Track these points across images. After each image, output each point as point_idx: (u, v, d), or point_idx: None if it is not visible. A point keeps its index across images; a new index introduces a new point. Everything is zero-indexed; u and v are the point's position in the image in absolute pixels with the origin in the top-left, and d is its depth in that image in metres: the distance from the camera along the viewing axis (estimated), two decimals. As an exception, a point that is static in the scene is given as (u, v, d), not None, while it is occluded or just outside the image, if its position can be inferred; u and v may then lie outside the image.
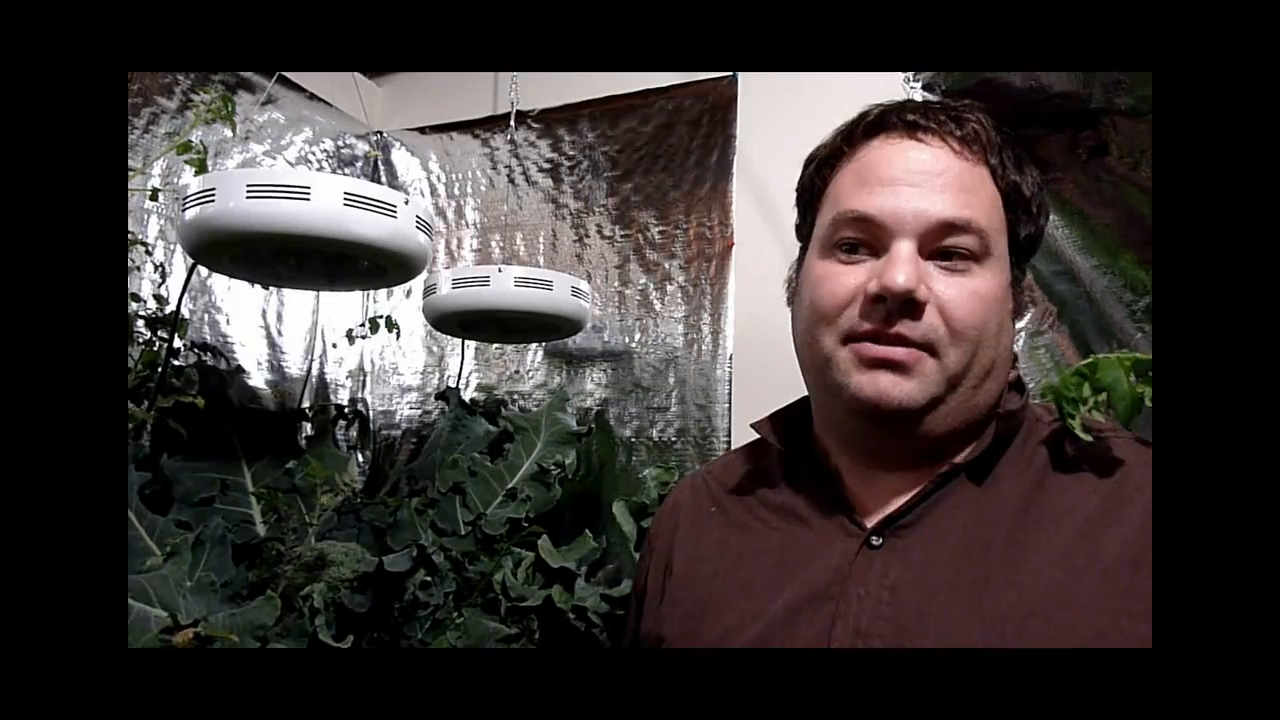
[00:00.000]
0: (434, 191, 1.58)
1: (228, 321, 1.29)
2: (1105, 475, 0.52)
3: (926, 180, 0.52)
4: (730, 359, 1.32)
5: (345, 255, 0.91)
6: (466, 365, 1.49)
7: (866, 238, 0.53)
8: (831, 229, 0.55)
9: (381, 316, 1.36)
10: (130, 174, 0.98)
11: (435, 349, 1.55)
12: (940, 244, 0.52)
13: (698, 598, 0.59)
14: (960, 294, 0.51)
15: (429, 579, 0.91)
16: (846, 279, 0.53)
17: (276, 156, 1.38)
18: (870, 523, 0.54)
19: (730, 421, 1.31)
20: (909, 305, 0.51)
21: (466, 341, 1.46)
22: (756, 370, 1.29)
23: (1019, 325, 0.63)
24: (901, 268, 0.50)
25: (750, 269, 1.32)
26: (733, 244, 1.34)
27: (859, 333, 0.52)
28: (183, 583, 0.75)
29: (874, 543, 0.53)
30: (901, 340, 0.51)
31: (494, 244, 1.52)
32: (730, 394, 1.32)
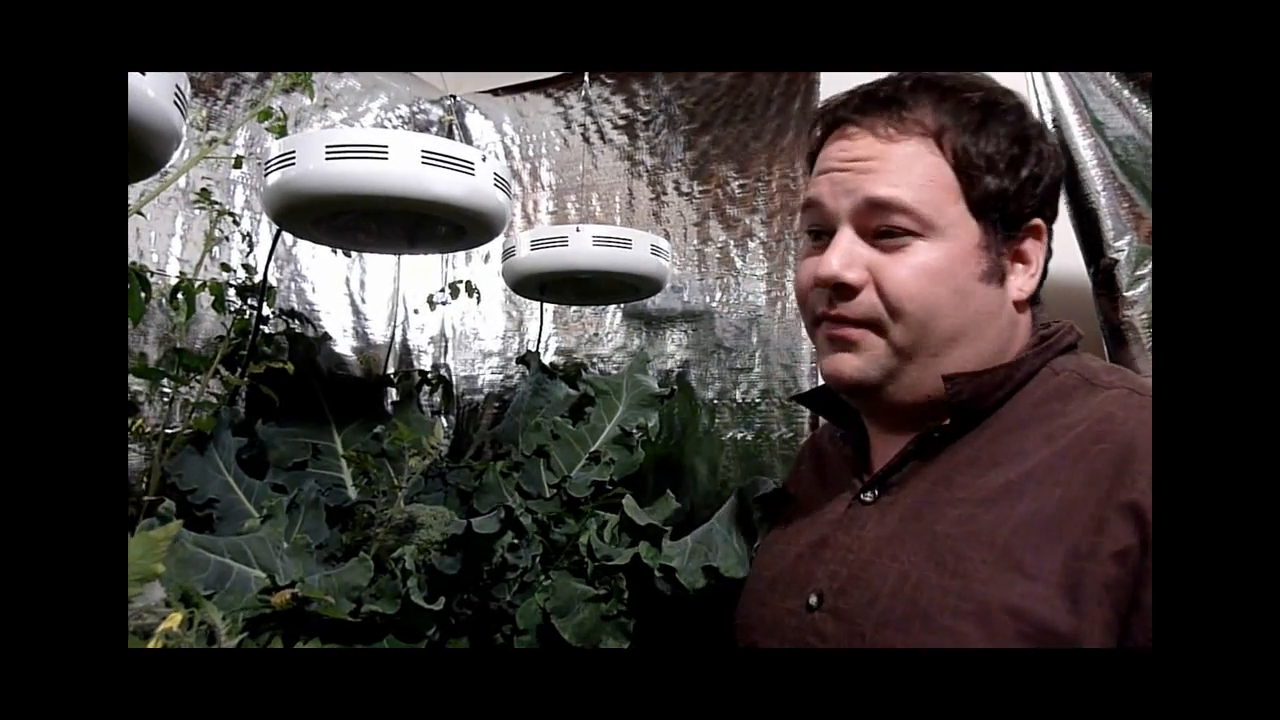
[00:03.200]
0: (509, 154, 1.56)
1: (313, 290, 1.31)
2: (1072, 428, 0.53)
3: (855, 166, 0.56)
4: (817, 316, 1.27)
5: (424, 216, 0.90)
6: (546, 329, 1.48)
7: (822, 224, 0.59)
8: (802, 217, 0.61)
9: (461, 282, 1.36)
10: (213, 143, 0.99)
11: (514, 313, 1.54)
12: (876, 224, 0.56)
13: (768, 538, 0.72)
14: (900, 271, 0.55)
15: (516, 541, 0.90)
16: (810, 265, 0.59)
17: (354, 124, 1.38)
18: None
19: (817, 382, 1.26)
20: (842, 288, 0.56)
21: (545, 305, 1.44)
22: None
23: (1028, 279, 0.59)
24: (831, 254, 0.56)
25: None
26: (818, 196, 1.28)
27: (818, 315, 0.59)
28: (279, 544, 0.76)
29: (865, 498, 0.60)
30: (845, 320, 0.57)
31: (570, 205, 1.49)
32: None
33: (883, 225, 0.55)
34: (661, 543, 0.91)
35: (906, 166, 0.55)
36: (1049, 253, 0.60)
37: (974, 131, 0.55)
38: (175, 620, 0.46)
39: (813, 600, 0.57)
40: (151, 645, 0.44)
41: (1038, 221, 0.58)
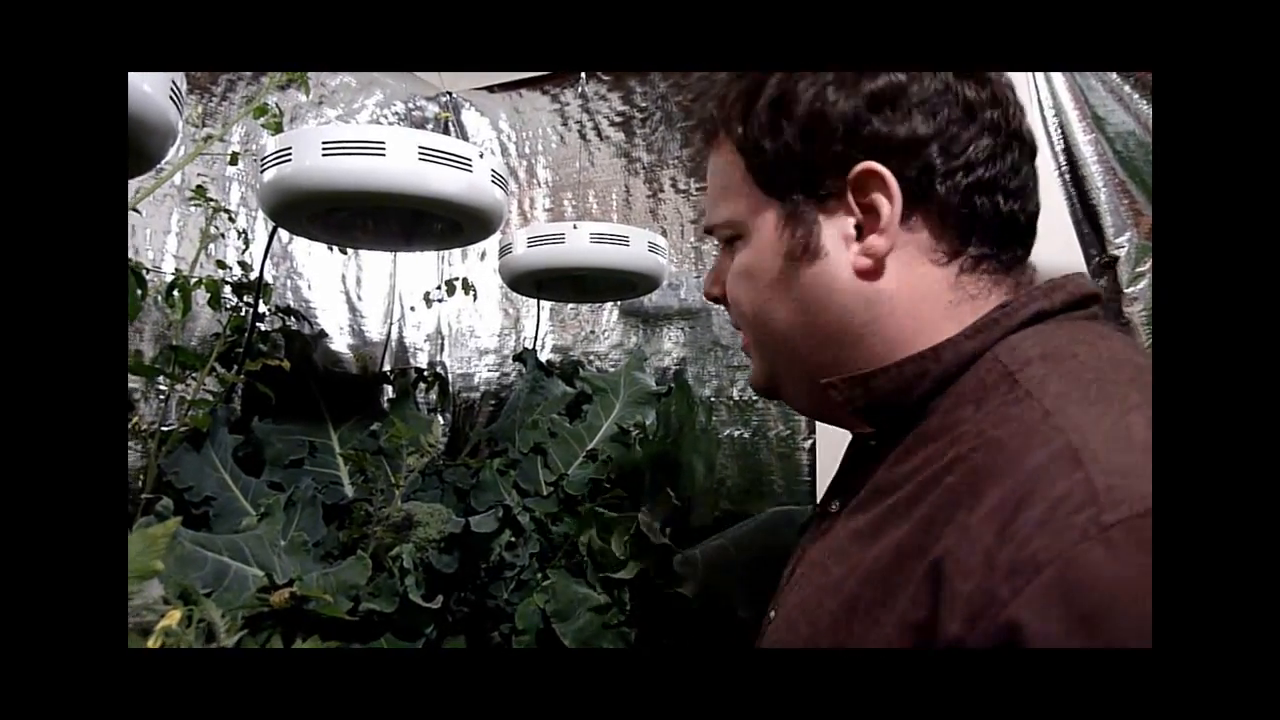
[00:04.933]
0: (505, 151, 1.56)
1: (309, 287, 1.31)
2: (955, 445, 0.40)
3: (707, 185, 0.54)
4: (814, 314, 1.27)
5: (422, 213, 0.90)
6: (542, 326, 1.48)
7: None
8: None
9: (458, 279, 1.35)
10: (209, 140, 0.98)
11: (511, 311, 1.54)
12: (720, 239, 0.53)
13: None
14: (729, 279, 0.52)
15: (514, 540, 0.90)
16: None
17: (349, 121, 1.38)
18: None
19: (815, 379, 1.26)
20: (718, 301, 0.54)
21: (542, 302, 1.44)
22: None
23: (879, 237, 0.45)
24: (706, 276, 0.56)
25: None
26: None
27: None
28: (277, 542, 0.76)
29: (831, 508, 0.53)
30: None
31: (566, 202, 1.49)
32: (814, 350, 1.26)
33: (723, 239, 0.53)
34: (672, 560, 0.91)
35: (717, 177, 0.51)
36: (946, 200, 0.44)
37: (744, 105, 0.48)
38: (174, 618, 0.46)
39: (772, 613, 0.53)
40: (151, 643, 0.44)
41: (863, 166, 0.44)
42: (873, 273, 0.45)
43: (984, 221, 0.45)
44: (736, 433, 1.30)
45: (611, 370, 1.40)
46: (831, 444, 1.09)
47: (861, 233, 0.45)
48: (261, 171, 0.81)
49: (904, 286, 0.45)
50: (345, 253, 1.32)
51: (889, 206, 0.44)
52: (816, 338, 0.47)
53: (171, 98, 0.59)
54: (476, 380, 1.55)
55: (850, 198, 0.45)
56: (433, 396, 1.42)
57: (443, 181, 0.79)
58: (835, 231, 0.46)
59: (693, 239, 1.37)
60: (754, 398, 1.31)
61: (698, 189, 1.37)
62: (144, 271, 0.79)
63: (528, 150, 1.54)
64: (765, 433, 1.27)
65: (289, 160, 0.77)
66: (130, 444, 0.99)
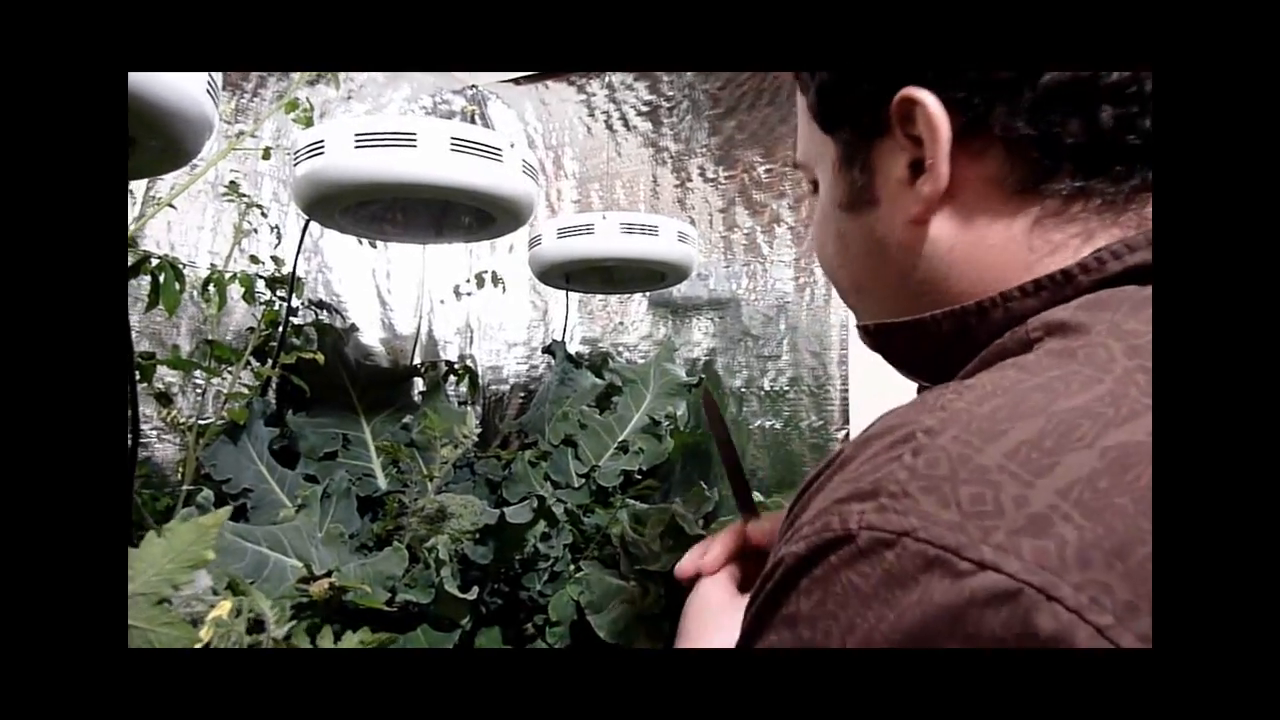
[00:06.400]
0: (531, 143, 1.55)
1: (339, 281, 1.32)
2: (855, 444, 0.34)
3: None
4: (846, 303, 1.25)
5: (452, 205, 0.90)
6: (571, 319, 1.48)
7: None
8: None
9: (487, 272, 1.36)
10: (241, 136, 0.99)
11: (539, 303, 1.54)
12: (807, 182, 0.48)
13: None
14: (813, 228, 0.48)
15: (549, 531, 0.90)
16: None
17: (377, 115, 1.38)
18: None
19: (847, 369, 1.25)
20: None
21: (571, 294, 1.44)
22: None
23: (931, 184, 0.37)
24: None
25: (865, 206, 1.24)
26: (846, 180, 1.26)
27: None
28: (314, 534, 0.77)
29: None
30: None
31: (594, 194, 1.48)
32: (847, 340, 1.25)
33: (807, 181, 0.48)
34: None
35: (799, 115, 0.46)
36: (996, 133, 0.35)
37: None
38: (225, 608, 0.46)
39: None
40: (203, 634, 0.45)
41: (902, 93, 0.36)
42: (928, 220, 0.38)
43: (1073, 144, 0.34)
44: (768, 424, 1.29)
45: (641, 362, 1.39)
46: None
47: (917, 174, 0.37)
48: (294, 165, 0.81)
49: (967, 236, 0.37)
50: (375, 246, 1.32)
51: (937, 138, 0.36)
52: (878, 296, 0.42)
53: (208, 91, 0.59)
54: (505, 373, 1.55)
55: (898, 132, 0.37)
56: (463, 389, 1.43)
57: (474, 172, 0.79)
58: (888, 174, 0.39)
59: (722, 228, 1.35)
60: (785, 388, 1.29)
61: (726, 177, 1.36)
62: (181, 266, 0.80)
63: (554, 142, 1.53)
64: (797, 423, 1.26)
65: (321, 153, 0.77)
66: (168, 437, 1.00)
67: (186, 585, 0.43)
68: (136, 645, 0.42)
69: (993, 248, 0.37)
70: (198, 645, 0.43)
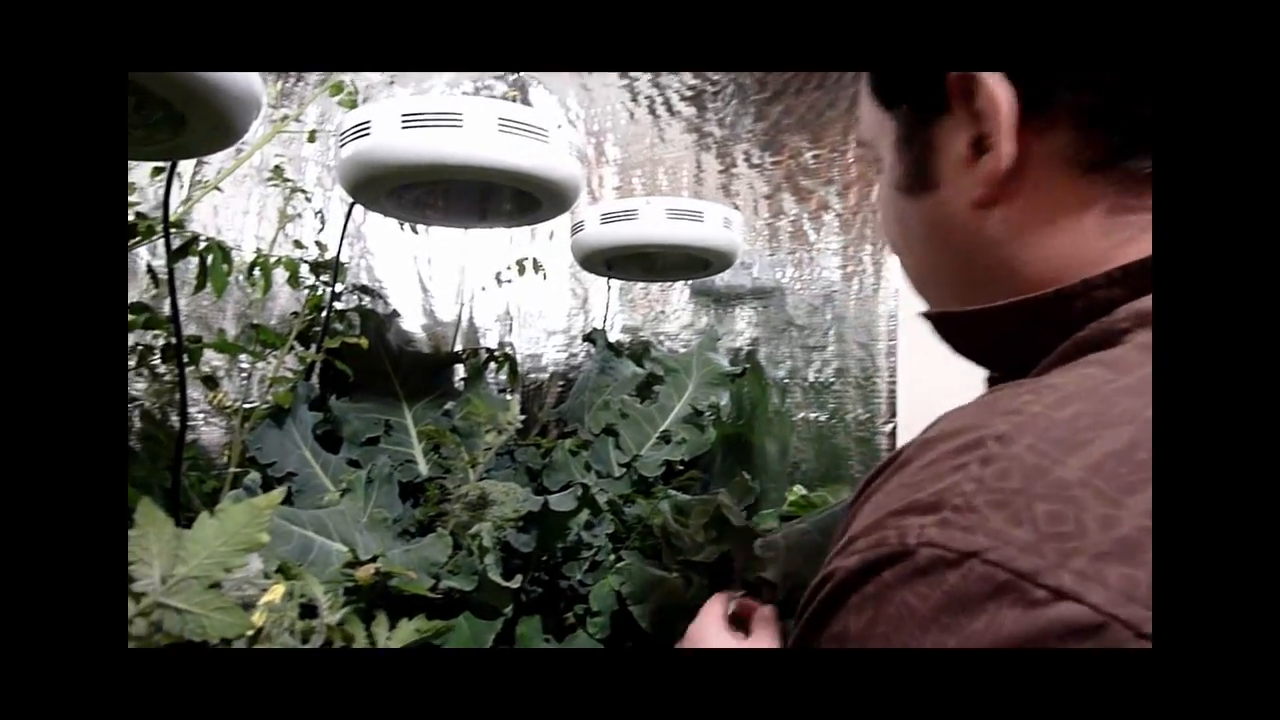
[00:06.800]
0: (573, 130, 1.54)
1: (381, 268, 1.32)
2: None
3: None
4: (896, 293, 1.21)
5: (497, 188, 0.88)
6: (611, 307, 1.46)
7: None
8: None
9: (527, 259, 1.34)
10: (285, 120, 0.99)
11: (579, 291, 1.52)
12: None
13: None
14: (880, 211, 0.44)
15: (592, 519, 0.89)
16: None
17: (423, 96, 1.38)
18: None
19: (896, 360, 1.21)
20: None
21: (611, 282, 1.42)
22: (923, 305, 1.18)
23: (991, 163, 0.34)
24: None
25: (916, 193, 1.20)
26: (897, 166, 1.22)
27: None
28: (358, 519, 0.76)
29: None
30: None
31: (636, 180, 1.46)
32: (896, 331, 1.21)
33: (870, 161, 0.47)
34: (753, 545, 0.88)
35: (862, 100, 0.43)
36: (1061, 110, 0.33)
37: None
38: (278, 593, 0.45)
39: None
40: (255, 619, 0.44)
41: (967, 75, 0.33)
42: (994, 202, 0.35)
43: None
44: (812, 415, 1.26)
45: (682, 351, 1.37)
46: (914, 429, 1.05)
47: (979, 152, 0.35)
48: (340, 146, 0.80)
49: (1035, 219, 0.34)
50: (416, 231, 1.32)
51: (999, 112, 0.33)
52: (941, 284, 0.40)
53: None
54: (544, 361, 1.54)
55: (958, 107, 0.34)
56: (502, 377, 1.42)
57: (521, 153, 0.77)
58: (949, 153, 0.36)
59: (767, 215, 1.33)
60: (830, 379, 1.27)
61: (772, 163, 1.33)
62: (229, 249, 0.80)
63: (596, 128, 1.51)
64: (843, 416, 1.23)
65: (367, 134, 0.76)
66: (214, 420, 1.01)
67: (239, 569, 0.43)
68: (190, 631, 0.41)
69: (1064, 232, 0.34)
70: (250, 632, 0.42)
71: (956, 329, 0.39)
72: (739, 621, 0.69)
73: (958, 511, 0.25)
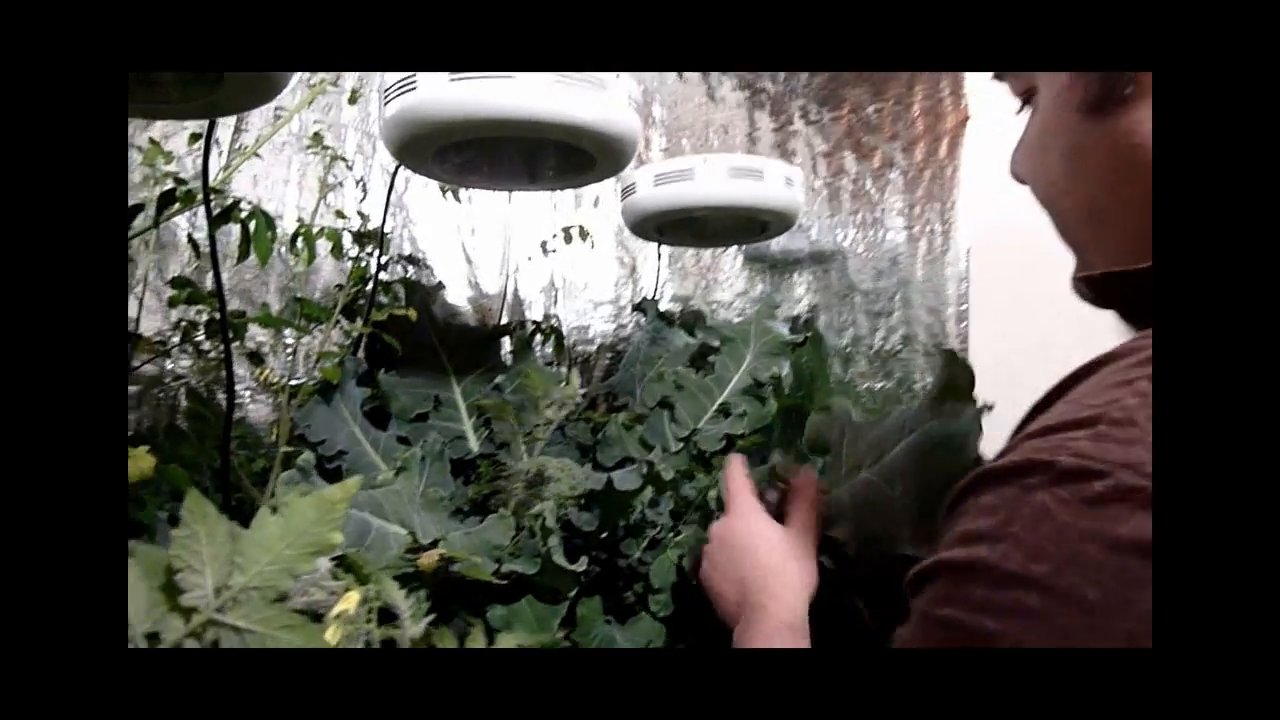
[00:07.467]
0: (616, 90, 1.47)
1: (425, 238, 1.27)
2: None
3: None
4: (967, 253, 1.14)
5: (548, 146, 0.83)
6: (661, 274, 1.40)
7: None
8: None
9: (574, 227, 1.29)
10: (321, 82, 0.94)
11: (626, 259, 1.46)
12: (1015, 95, 0.44)
13: None
14: (1025, 150, 0.42)
15: (657, 497, 0.84)
16: None
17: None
18: None
19: (967, 326, 1.14)
20: (1024, 180, 0.45)
21: (661, 249, 1.36)
22: (997, 265, 1.10)
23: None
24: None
25: (989, 147, 1.11)
26: (968, 117, 1.14)
27: None
28: (414, 498, 0.72)
29: None
30: None
31: (685, 142, 1.40)
32: (967, 294, 1.14)
33: (1016, 92, 0.42)
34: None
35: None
36: None
37: None
38: (353, 601, 0.40)
39: None
40: (328, 635, 0.38)
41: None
42: None
43: None
44: (878, 385, 1.19)
45: (736, 320, 1.31)
46: (986, 397, 0.98)
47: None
48: (385, 104, 0.75)
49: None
50: (460, 200, 1.27)
51: None
52: (1119, 222, 0.35)
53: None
54: (591, 333, 1.49)
55: None
56: (548, 350, 1.38)
57: (577, 105, 0.71)
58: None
59: (826, 175, 1.25)
60: (896, 347, 1.20)
61: (831, 119, 1.25)
62: (271, 217, 0.75)
63: (642, 88, 1.45)
64: (910, 385, 1.17)
65: (414, 88, 0.71)
66: (259, 398, 0.98)
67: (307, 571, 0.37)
68: (250, 649, 0.36)
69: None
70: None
71: (1126, 290, 0.35)
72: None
73: (1115, 424, 0.26)
